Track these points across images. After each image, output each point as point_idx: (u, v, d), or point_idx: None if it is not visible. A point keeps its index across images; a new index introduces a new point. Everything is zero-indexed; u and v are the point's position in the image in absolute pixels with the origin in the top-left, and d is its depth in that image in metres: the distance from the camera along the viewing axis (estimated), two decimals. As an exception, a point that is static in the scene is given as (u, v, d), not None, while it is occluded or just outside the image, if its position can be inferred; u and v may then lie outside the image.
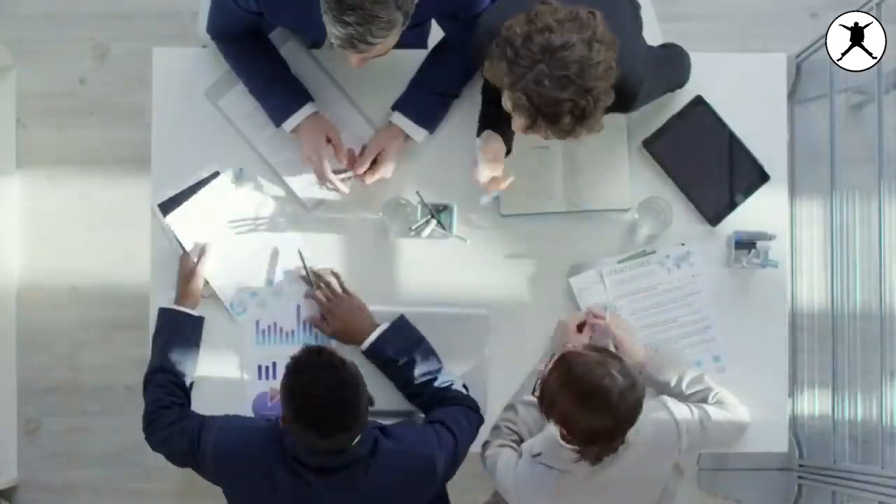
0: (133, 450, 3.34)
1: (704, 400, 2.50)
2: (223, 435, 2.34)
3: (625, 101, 2.29)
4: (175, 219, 2.61)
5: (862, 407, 3.04)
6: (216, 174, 2.63)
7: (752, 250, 2.60)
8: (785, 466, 3.32)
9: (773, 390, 2.63)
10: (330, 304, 2.57)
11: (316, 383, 2.14)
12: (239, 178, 2.64)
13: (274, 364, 2.62)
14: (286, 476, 2.28)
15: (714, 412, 2.45)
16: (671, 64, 2.56)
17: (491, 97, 2.43)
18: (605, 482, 2.30)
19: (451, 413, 2.43)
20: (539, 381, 2.25)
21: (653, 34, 2.69)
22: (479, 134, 2.49)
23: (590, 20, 2.14)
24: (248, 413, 2.60)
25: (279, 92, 2.57)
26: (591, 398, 2.13)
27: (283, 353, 2.58)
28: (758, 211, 2.66)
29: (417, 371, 2.49)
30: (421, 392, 2.50)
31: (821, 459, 3.17)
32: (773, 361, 2.64)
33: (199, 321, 2.59)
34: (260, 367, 2.63)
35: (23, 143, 3.49)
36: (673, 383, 2.52)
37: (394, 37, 2.21)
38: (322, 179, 2.56)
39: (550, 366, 2.22)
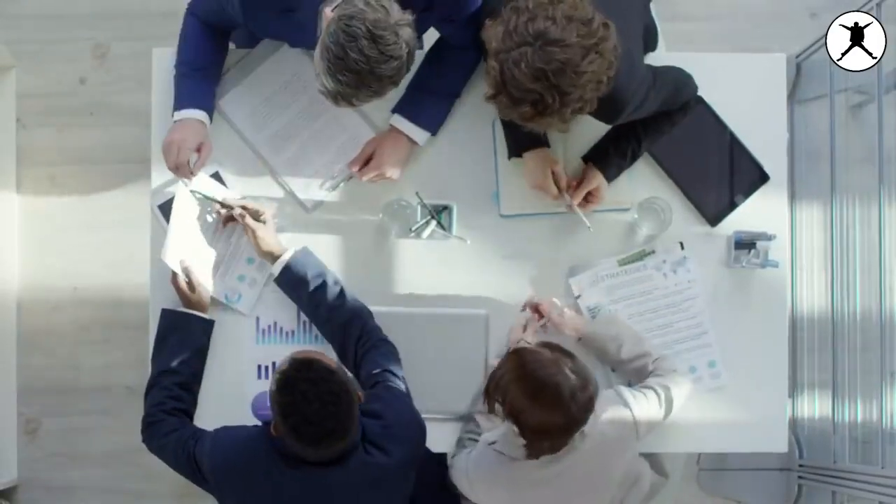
0: (133, 450, 3.30)
1: (645, 367, 2.49)
2: (216, 448, 2.33)
3: (609, 114, 2.31)
4: (170, 258, 2.53)
5: (862, 407, 3.05)
6: (216, 174, 2.64)
7: (752, 250, 2.60)
8: (785, 466, 3.32)
9: (773, 390, 2.63)
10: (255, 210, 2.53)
11: (311, 400, 2.12)
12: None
13: (274, 364, 2.61)
14: (288, 473, 2.27)
15: (661, 388, 2.42)
16: (673, 91, 2.47)
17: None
18: (560, 472, 2.30)
19: (385, 359, 2.44)
20: (490, 374, 2.25)
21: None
22: (515, 153, 2.55)
23: (600, 30, 2.10)
24: (248, 412, 2.59)
25: (196, 83, 2.54)
26: (542, 394, 2.14)
27: (283, 352, 2.56)
28: (757, 211, 2.66)
29: (329, 294, 2.50)
30: (331, 318, 2.50)
31: (821, 459, 3.17)
32: (773, 362, 2.64)
33: (209, 324, 2.58)
34: (260, 367, 2.63)
35: (23, 143, 3.48)
36: (612, 351, 2.52)
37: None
38: (173, 169, 2.53)
39: (503, 360, 2.24)
